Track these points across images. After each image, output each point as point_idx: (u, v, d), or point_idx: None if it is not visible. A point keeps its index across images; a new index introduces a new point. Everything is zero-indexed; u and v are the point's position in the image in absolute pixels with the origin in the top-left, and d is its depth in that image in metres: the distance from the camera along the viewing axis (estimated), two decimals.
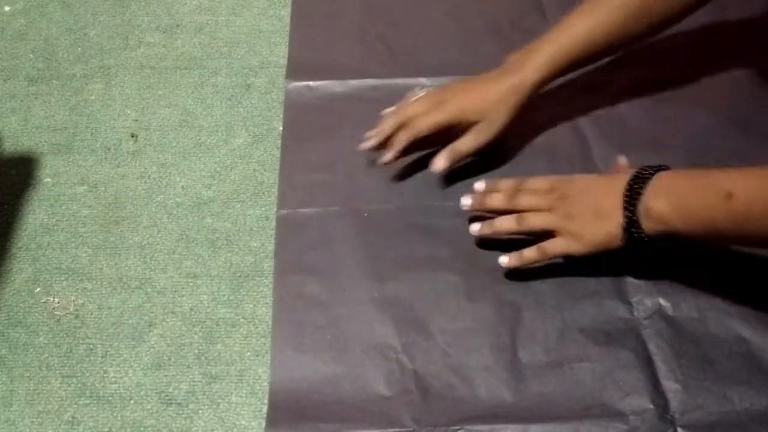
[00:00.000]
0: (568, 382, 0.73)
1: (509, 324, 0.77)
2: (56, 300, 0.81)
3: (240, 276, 0.83)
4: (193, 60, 1.02)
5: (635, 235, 0.71)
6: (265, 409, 0.73)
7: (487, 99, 0.83)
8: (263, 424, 0.72)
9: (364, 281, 0.80)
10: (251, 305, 0.81)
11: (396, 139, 0.83)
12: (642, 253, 0.73)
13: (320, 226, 0.85)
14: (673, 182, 0.70)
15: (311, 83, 0.98)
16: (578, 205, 0.75)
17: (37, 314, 0.80)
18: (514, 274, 0.79)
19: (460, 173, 0.88)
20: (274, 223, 0.86)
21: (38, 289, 0.82)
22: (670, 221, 0.69)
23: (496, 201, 0.80)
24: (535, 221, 0.76)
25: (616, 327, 0.77)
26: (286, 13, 1.07)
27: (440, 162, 0.83)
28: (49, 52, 1.03)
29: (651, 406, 0.72)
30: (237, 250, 0.85)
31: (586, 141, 0.91)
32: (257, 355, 0.77)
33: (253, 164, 0.92)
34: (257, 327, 0.79)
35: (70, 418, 0.74)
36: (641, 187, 0.71)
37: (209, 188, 0.90)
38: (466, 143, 0.83)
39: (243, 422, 0.73)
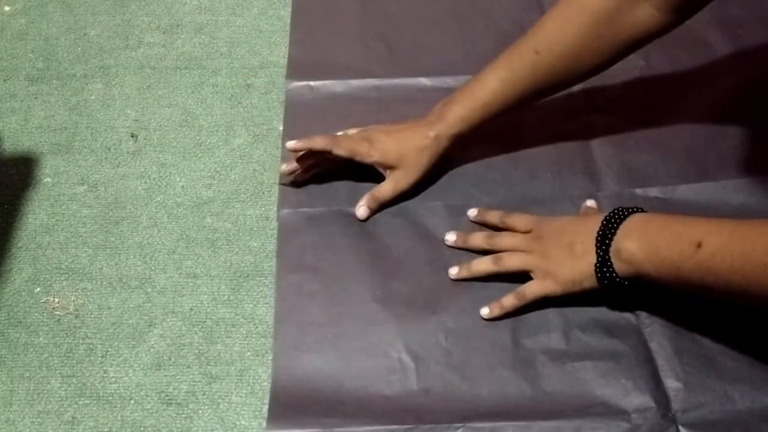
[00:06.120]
0: (570, 381, 0.73)
1: (511, 323, 0.77)
2: (56, 300, 0.81)
3: (240, 276, 0.82)
4: (193, 60, 1.02)
5: (607, 275, 0.71)
6: (265, 408, 0.72)
7: (407, 147, 0.84)
8: (263, 424, 0.71)
9: (366, 280, 0.80)
10: (251, 305, 0.80)
11: (319, 141, 0.84)
12: (619, 295, 0.74)
13: (321, 225, 0.84)
14: (646, 225, 0.71)
15: (311, 83, 0.97)
16: (554, 245, 0.75)
17: (37, 314, 0.80)
18: (516, 274, 0.79)
19: (460, 173, 0.88)
20: (274, 223, 0.86)
21: (38, 289, 0.82)
22: (640, 264, 0.69)
23: (476, 240, 0.81)
24: (512, 262, 0.77)
25: (617, 325, 0.76)
26: (286, 13, 1.07)
27: (362, 210, 0.84)
28: (49, 52, 1.03)
29: (653, 405, 0.71)
30: (237, 250, 0.84)
31: (587, 141, 0.91)
32: (257, 355, 0.77)
33: (253, 164, 0.92)
34: (257, 327, 0.79)
35: (70, 418, 0.73)
36: (615, 228, 0.71)
37: (209, 188, 0.90)
38: (385, 191, 0.85)
39: (243, 422, 0.73)
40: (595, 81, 0.94)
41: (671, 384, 0.73)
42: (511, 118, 0.91)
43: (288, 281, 0.81)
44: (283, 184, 0.87)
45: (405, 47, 1.02)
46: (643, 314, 0.77)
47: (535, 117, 0.93)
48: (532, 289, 0.76)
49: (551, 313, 0.77)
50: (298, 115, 0.94)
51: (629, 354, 0.75)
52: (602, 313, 0.77)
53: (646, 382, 0.73)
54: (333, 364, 0.75)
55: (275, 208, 0.87)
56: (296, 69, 0.99)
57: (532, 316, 0.77)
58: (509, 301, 0.76)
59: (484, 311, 0.77)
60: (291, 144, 0.84)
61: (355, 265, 0.81)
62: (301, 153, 0.85)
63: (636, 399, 0.72)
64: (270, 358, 0.76)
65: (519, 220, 0.80)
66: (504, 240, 0.80)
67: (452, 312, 0.78)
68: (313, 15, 1.06)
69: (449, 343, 0.76)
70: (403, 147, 0.84)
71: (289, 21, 1.05)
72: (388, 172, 0.85)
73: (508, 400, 0.72)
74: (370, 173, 0.86)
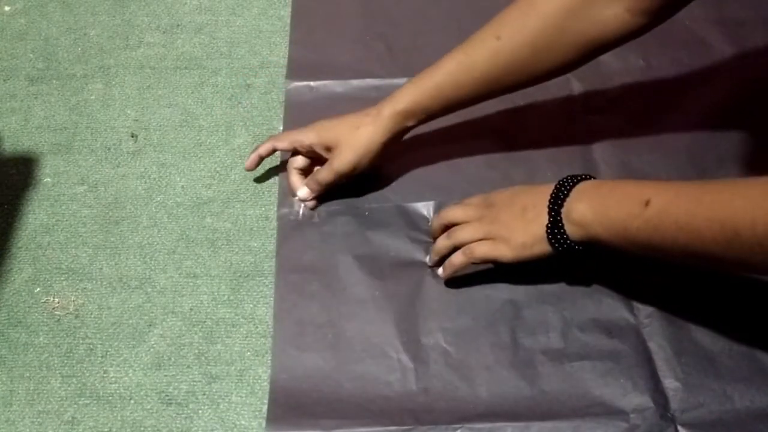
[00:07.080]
0: (569, 381, 0.73)
1: (509, 323, 0.77)
2: (56, 300, 0.81)
3: (240, 276, 0.82)
4: (193, 60, 1.02)
5: (559, 237, 0.71)
6: (265, 408, 0.73)
7: (344, 126, 0.82)
8: (263, 424, 0.72)
9: (365, 280, 0.80)
10: (251, 305, 0.80)
11: (262, 146, 0.86)
12: (575, 263, 0.74)
13: (321, 225, 0.85)
14: (598, 188, 0.71)
15: (311, 83, 0.98)
16: (505, 210, 0.75)
17: (37, 314, 0.80)
18: (516, 272, 0.79)
19: (459, 173, 0.88)
20: (274, 223, 0.86)
21: (38, 289, 0.82)
22: (590, 225, 0.69)
23: (433, 226, 0.81)
24: (464, 233, 0.77)
25: (616, 325, 0.77)
26: (286, 13, 1.07)
27: (303, 191, 0.85)
28: (49, 52, 1.03)
29: (651, 405, 0.72)
30: (237, 250, 0.85)
31: (587, 142, 0.91)
32: (257, 355, 0.77)
33: None
34: (257, 327, 0.79)
35: (70, 418, 0.74)
36: (567, 191, 0.71)
37: (209, 188, 0.90)
38: (323, 171, 0.84)
39: (243, 422, 0.73)
40: (594, 81, 0.95)
41: (670, 384, 0.73)
42: (510, 118, 0.92)
43: (287, 281, 0.81)
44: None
45: (405, 47, 1.02)
46: (642, 314, 0.77)
47: (535, 117, 0.93)
48: (481, 249, 0.75)
49: (550, 313, 0.77)
50: (298, 115, 0.94)
51: (628, 354, 0.75)
52: (601, 312, 0.77)
53: (644, 381, 0.73)
54: (332, 364, 0.75)
55: (275, 208, 0.87)
56: (296, 69, 0.99)
57: (531, 316, 0.77)
58: (458, 258, 0.76)
59: (439, 271, 0.79)
60: (247, 165, 0.86)
61: (355, 265, 0.81)
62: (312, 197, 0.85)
63: (635, 399, 0.72)
64: (270, 358, 0.76)
65: (472, 198, 0.80)
66: (454, 213, 0.79)
67: (451, 312, 0.78)
68: (313, 15, 1.06)
69: (448, 343, 0.76)
70: (340, 126, 0.82)
71: (289, 21, 1.05)
72: (329, 154, 0.83)
73: (507, 400, 0.72)
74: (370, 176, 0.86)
